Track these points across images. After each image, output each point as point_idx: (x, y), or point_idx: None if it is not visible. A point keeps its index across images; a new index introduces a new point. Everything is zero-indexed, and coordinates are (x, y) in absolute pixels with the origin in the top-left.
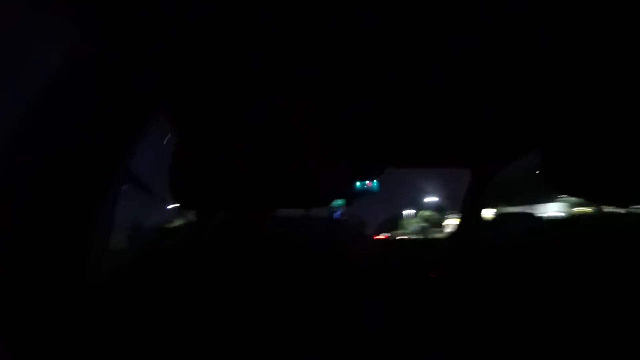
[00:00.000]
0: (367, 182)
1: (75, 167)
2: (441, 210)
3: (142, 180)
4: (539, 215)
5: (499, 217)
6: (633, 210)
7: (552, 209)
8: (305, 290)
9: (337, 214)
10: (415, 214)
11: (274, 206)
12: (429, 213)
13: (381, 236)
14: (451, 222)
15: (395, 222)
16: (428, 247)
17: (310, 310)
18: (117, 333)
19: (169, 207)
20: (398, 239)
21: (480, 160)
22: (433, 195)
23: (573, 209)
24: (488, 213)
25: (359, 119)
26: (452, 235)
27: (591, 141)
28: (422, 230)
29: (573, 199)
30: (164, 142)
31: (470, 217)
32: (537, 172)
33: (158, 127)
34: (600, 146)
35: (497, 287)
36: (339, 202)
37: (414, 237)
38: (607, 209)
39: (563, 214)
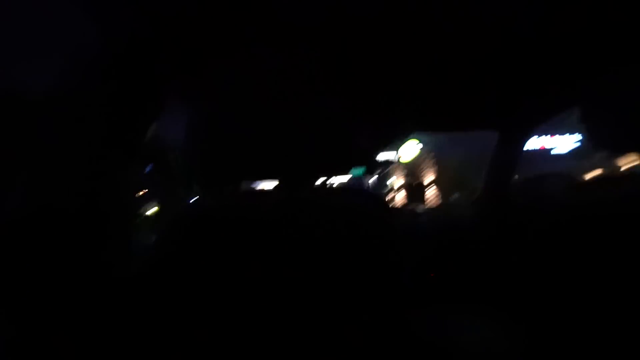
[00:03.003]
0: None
1: (101, 149)
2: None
3: (163, 160)
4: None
5: (536, 177)
6: None
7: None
8: (334, 263)
9: (359, 184)
10: None
11: (295, 175)
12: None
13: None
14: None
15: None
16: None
17: (343, 282)
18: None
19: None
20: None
21: (514, 119)
22: None
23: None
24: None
25: (380, 77)
26: (483, 197)
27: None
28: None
29: None
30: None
31: (502, 178)
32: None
33: (174, 107)
34: None
35: (534, 250)
36: (359, 170)
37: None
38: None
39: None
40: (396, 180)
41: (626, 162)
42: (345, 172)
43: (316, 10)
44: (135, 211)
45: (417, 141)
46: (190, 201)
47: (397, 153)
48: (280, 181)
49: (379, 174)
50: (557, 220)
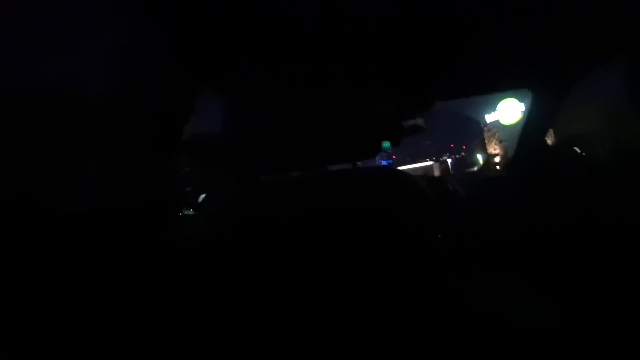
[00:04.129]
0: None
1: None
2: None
3: (203, 153)
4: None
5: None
6: None
7: None
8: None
9: (385, 161)
10: None
11: (324, 163)
12: None
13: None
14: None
15: None
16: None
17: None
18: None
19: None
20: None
21: (543, 78)
22: None
23: None
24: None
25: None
26: (513, 163)
27: None
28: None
29: None
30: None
31: (531, 143)
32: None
33: (213, 103)
34: None
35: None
36: (385, 144)
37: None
38: None
39: None
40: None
41: None
42: (372, 157)
43: None
44: (185, 203)
45: (517, 100)
46: (233, 191)
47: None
48: (311, 168)
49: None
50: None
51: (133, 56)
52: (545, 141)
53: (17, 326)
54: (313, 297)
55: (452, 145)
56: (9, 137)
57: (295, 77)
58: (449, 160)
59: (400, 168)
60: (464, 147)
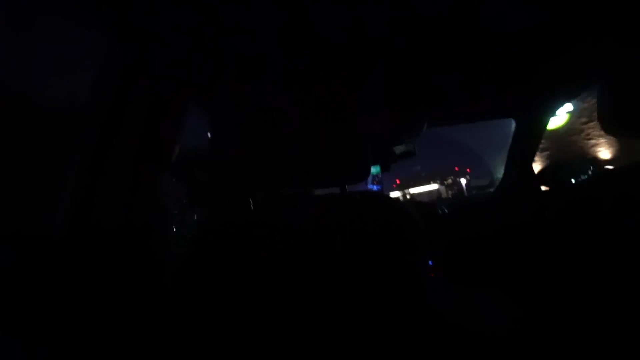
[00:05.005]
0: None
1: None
2: None
3: (186, 170)
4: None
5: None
6: None
7: None
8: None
9: (375, 186)
10: None
11: (311, 186)
12: None
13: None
14: None
15: None
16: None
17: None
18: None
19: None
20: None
21: (526, 108)
22: None
23: None
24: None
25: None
26: (500, 187)
27: None
28: None
29: None
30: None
31: (517, 167)
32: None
33: (196, 121)
34: None
35: (557, 239)
36: (374, 169)
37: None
38: None
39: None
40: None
41: None
42: (362, 180)
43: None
44: (167, 221)
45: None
46: (215, 209)
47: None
48: (296, 188)
49: None
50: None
51: (121, 74)
52: (531, 167)
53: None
54: (296, 315)
55: (456, 168)
56: None
57: (284, 98)
58: (463, 181)
59: (413, 190)
60: (468, 169)
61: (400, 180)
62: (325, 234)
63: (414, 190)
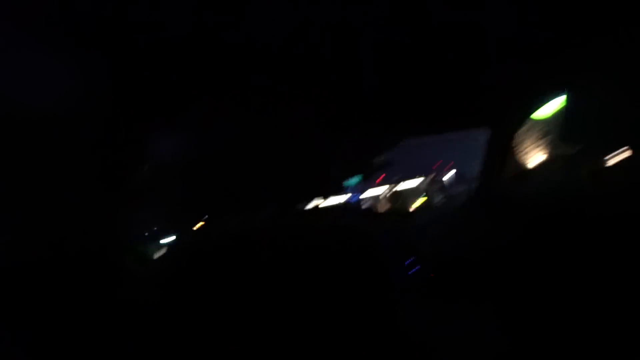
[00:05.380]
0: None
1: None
2: None
3: (164, 189)
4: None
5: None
6: None
7: None
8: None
9: (354, 197)
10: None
11: (292, 201)
12: None
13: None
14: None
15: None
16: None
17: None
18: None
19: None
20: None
21: (500, 117)
22: None
23: None
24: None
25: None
26: (475, 196)
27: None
28: None
29: None
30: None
31: (492, 175)
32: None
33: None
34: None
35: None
36: (355, 179)
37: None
38: None
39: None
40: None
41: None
42: (340, 186)
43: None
44: (141, 243)
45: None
46: (193, 229)
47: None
48: (276, 205)
49: None
50: (549, 214)
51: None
52: (506, 180)
53: None
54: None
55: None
56: None
57: (261, 114)
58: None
59: (401, 186)
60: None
61: (384, 176)
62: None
63: (400, 186)
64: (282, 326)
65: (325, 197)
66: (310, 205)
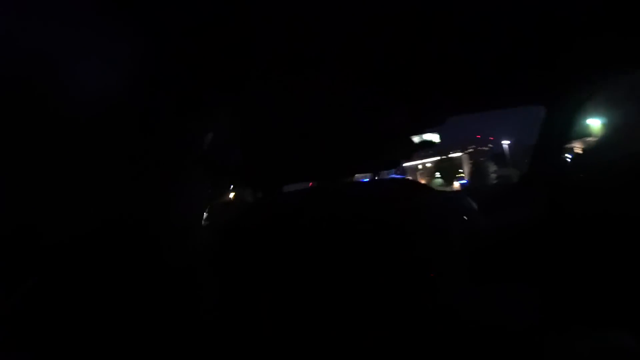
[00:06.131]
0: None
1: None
2: None
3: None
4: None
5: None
6: None
7: None
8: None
9: (397, 175)
10: None
11: (339, 175)
12: None
13: None
14: None
15: None
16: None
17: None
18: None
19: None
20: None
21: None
22: None
23: None
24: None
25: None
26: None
27: None
28: None
29: None
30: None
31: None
32: None
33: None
34: None
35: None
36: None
37: None
38: None
39: None
40: None
41: None
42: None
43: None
44: (199, 214)
45: None
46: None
47: None
48: (319, 180)
49: None
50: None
51: (148, 68)
52: (564, 158)
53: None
54: (319, 301)
55: (478, 136)
56: None
57: (310, 92)
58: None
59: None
60: (491, 137)
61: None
62: (346, 229)
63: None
64: (325, 293)
65: (369, 171)
66: (353, 179)
